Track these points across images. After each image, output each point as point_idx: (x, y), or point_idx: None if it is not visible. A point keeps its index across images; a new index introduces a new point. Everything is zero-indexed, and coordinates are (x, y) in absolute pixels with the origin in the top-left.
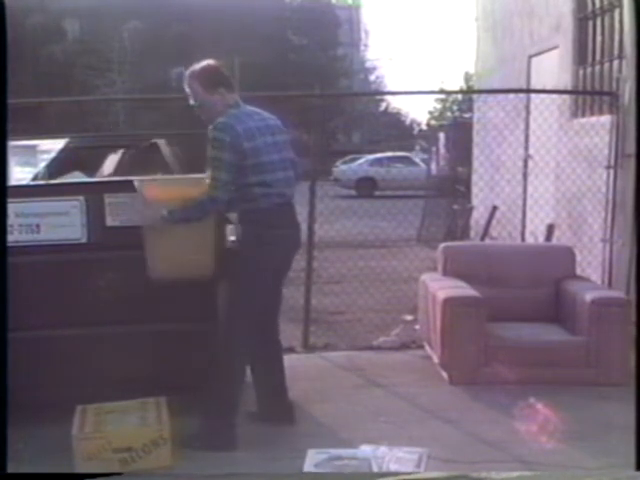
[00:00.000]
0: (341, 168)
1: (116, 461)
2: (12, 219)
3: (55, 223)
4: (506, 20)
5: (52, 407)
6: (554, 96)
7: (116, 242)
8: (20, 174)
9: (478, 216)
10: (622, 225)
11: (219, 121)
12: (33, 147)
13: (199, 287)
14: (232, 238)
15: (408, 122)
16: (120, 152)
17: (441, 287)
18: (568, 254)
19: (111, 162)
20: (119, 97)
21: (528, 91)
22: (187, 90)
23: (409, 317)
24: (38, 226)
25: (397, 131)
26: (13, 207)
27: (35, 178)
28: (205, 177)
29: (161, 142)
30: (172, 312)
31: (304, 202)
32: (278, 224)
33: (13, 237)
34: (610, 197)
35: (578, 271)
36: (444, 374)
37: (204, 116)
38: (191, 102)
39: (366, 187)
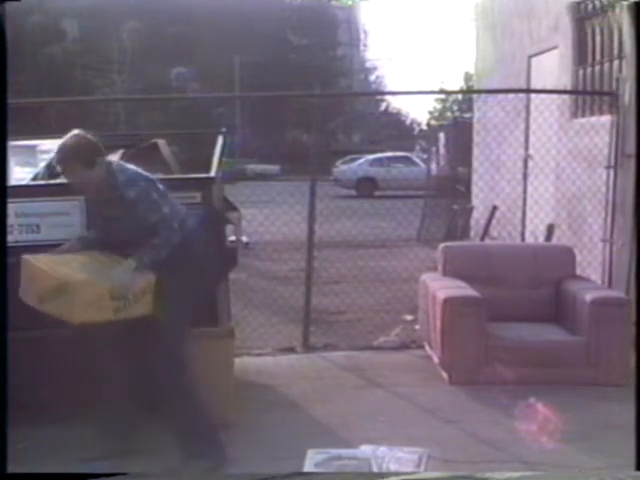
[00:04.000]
0: (341, 168)
1: (111, 309)
2: (12, 219)
3: (55, 223)
4: (506, 20)
5: (54, 407)
6: (554, 96)
7: None
8: (20, 174)
9: (478, 216)
10: (622, 225)
11: (131, 173)
12: (33, 147)
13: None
14: (232, 238)
15: (408, 122)
16: (120, 152)
17: (441, 287)
18: (568, 254)
19: None
20: (119, 97)
21: (528, 91)
22: (63, 174)
23: (409, 317)
24: (38, 226)
25: (397, 131)
26: (14, 207)
27: (35, 178)
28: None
29: (161, 142)
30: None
31: (304, 202)
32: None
33: (13, 237)
34: (610, 197)
35: (578, 271)
36: (444, 374)
37: (89, 189)
38: (69, 180)
39: (366, 187)
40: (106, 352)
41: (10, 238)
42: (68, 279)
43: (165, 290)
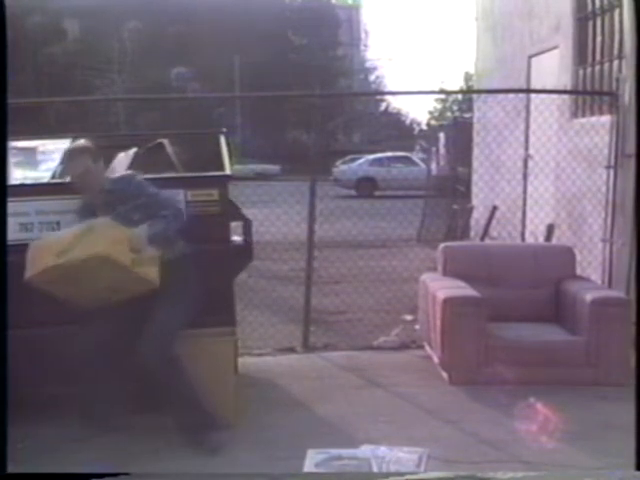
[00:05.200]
0: (341, 168)
1: (129, 258)
2: (32, 217)
3: (75, 220)
4: (506, 20)
5: (55, 406)
6: (554, 96)
7: None
8: (37, 173)
9: (478, 216)
10: (622, 225)
11: (131, 174)
12: (33, 149)
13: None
14: (236, 238)
15: (408, 122)
16: (132, 151)
17: (441, 287)
18: (568, 254)
19: (123, 161)
20: (119, 97)
21: (528, 91)
22: (72, 165)
23: (409, 317)
24: (58, 223)
25: (397, 131)
26: (34, 205)
27: (54, 176)
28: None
29: (165, 142)
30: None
31: (304, 202)
32: None
33: (34, 234)
34: (610, 197)
35: (578, 271)
36: (444, 374)
37: (88, 185)
38: (71, 178)
39: (366, 187)
40: (104, 347)
41: (31, 235)
42: (92, 223)
43: (173, 279)
